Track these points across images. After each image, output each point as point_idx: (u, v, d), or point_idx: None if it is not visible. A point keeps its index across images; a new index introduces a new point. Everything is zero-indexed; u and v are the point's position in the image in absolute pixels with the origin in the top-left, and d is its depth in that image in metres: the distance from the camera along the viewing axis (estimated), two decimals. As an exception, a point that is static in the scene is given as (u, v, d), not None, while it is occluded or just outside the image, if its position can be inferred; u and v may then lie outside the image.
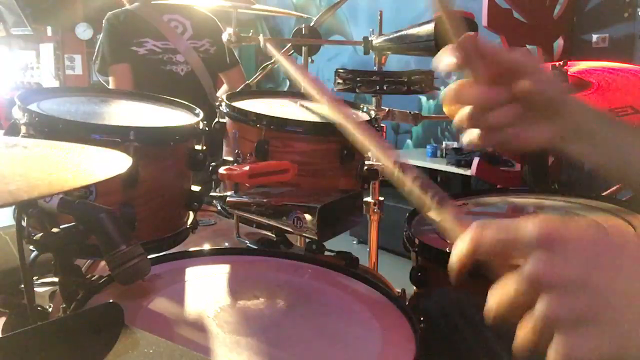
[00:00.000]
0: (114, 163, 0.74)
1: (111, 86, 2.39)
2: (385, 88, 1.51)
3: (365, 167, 1.38)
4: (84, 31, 6.52)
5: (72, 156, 0.73)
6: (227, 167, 1.19)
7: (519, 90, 0.73)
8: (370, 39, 1.63)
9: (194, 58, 2.45)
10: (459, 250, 0.52)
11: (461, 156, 4.26)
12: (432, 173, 4.78)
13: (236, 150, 1.25)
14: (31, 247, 0.92)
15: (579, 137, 0.77)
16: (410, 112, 1.72)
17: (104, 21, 2.44)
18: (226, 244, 1.36)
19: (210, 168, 1.25)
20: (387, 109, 1.66)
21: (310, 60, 1.76)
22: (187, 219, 1.23)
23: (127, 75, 2.38)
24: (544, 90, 0.74)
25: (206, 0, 2.15)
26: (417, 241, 1.20)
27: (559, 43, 3.82)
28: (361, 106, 1.47)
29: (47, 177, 0.63)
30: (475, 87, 0.75)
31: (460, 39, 0.74)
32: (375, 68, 1.66)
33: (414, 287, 1.26)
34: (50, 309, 1.13)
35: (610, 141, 0.78)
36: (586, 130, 0.77)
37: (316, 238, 1.10)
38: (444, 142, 4.75)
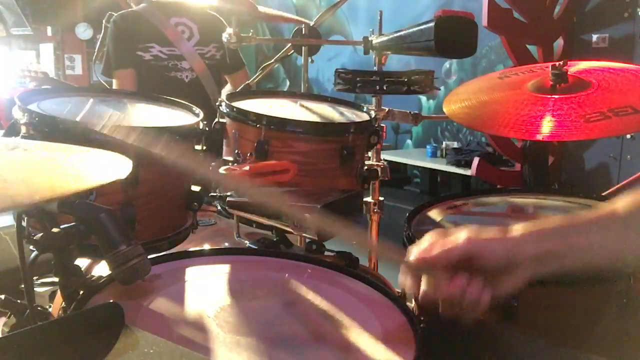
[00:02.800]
0: (114, 166, 0.74)
1: None
2: (385, 88, 1.51)
3: (365, 167, 1.38)
4: (84, 31, 6.52)
5: (73, 159, 0.73)
6: (227, 167, 1.19)
7: (476, 271, 0.80)
8: (370, 39, 1.63)
9: (200, 65, 2.43)
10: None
11: (461, 156, 4.26)
12: (432, 173, 4.78)
13: (236, 150, 1.25)
14: (31, 247, 0.92)
15: (552, 264, 0.80)
16: (410, 112, 1.72)
17: (110, 22, 2.42)
18: (226, 244, 1.36)
19: (210, 168, 1.25)
20: (387, 109, 1.66)
21: (310, 60, 1.76)
22: (187, 219, 1.23)
23: (132, 82, 2.37)
24: (497, 261, 0.79)
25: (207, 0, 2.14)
26: (417, 241, 1.20)
27: (559, 43, 3.82)
28: (361, 106, 1.47)
29: (48, 181, 0.63)
30: (439, 290, 0.81)
31: (402, 270, 0.84)
32: (375, 68, 1.65)
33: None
34: (50, 309, 1.13)
35: (588, 248, 0.80)
36: (554, 257, 0.80)
37: (316, 238, 1.10)
38: (444, 142, 4.76)
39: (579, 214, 0.86)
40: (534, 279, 0.80)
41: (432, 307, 0.82)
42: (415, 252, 0.83)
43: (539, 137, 1.24)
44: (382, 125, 1.49)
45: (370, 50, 1.64)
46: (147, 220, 1.10)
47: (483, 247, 0.80)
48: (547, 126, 1.25)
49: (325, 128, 1.30)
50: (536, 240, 0.80)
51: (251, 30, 1.80)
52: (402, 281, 0.85)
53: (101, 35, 2.46)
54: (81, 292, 0.91)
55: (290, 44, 1.79)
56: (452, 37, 1.42)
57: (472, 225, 0.83)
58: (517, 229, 0.82)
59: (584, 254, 0.79)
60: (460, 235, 0.81)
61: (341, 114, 1.42)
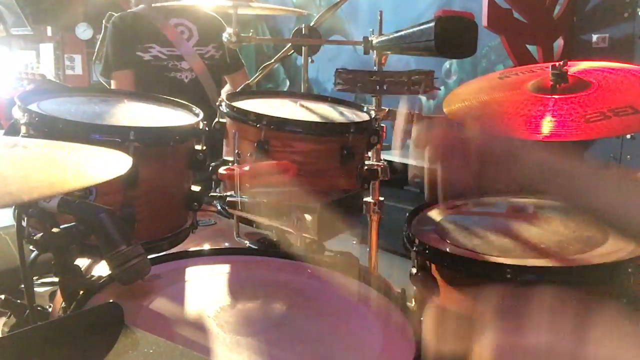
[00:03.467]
0: (114, 163, 0.74)
1: None
2: (385, 88, 1.51)
3: (365, 167, 1.38)
4: (84, 31, 6.51)
5: (72, 156, 0.73)
6: (227, 167, 1.19)
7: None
8: (370, 39, 1.63)
9: (199, 65, 2.43)
10: None
11: (461, 156, 4.26)
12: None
13: (236, 150, 1.25)
14: (31, 247, 0.92)
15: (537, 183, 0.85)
16: (410, 112, 1.71)
17: (109, 23, 2.42)
18: (226, 244, 1.36)
19: (210, 168, 1.25)
20: (387, 109, 1.66)
21: (310, 60, 1.75)
22: (187, 219, 1.23)
23: (130, 82, 2.38)
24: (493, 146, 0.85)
25: (206, 0, 2.14)
26: (417, 241, 1.20)
27: (559, 43, 3.81)
28: (361, 106, 1.47)
29: (47, 178, 0.63)
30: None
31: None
32: (375, 68, 1.65)
33: (414, 287, 1.26)
34: (50, 309, 1.13)
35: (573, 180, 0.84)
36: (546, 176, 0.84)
37: (316, 238, 1.10)
38: (444, 142, 4.75)
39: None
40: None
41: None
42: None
43: (539, 137, 1.24)
44: (382, 125, 1.49)
45: (370, 50, 1.64)
46: (147, 220, 1.10)
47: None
48: (547, 126, 1.24)
49: (325, 128, 1.30)
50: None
51: (251, 30, 1.80)
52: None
53: (101, 35, 2.46)
54: (81, 292, 0.91)
55: (290, 44, 1.79)
56: (452, 37, 1.42)
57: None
58: None
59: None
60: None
61: (341, 114, 1.42)
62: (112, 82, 2.42)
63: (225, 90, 2.59)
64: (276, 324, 0.89)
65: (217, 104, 1.33)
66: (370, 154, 1.55)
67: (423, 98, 5.12)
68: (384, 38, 1.59)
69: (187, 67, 2.43)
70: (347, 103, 1.49)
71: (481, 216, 1.43)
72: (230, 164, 1.25)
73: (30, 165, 0.69)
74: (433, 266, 1.18)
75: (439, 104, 4.93)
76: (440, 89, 1.67)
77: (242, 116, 1.26)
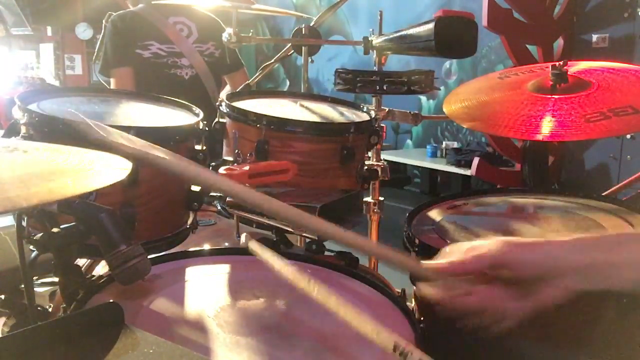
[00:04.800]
0: (114, 167, 0.74)
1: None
2: (385, 88, 1.51)
3: (365, 167, 1.38)
4: (84, 31, 6.52)
5: (72, 160, 0.73)
6: (227, 167, 1.19)
7: (505, 280, 0.73)
8: (370, 39, 1.64)
9: (199, 62, 2.44)
10: None
11: (461, 156, 4.26)
12: (432, 173, 4.78)
13: (236, 150, 1.25)
14: (31, 247, 0.92)
15: (596, 280, 0.72)
16: (410, 112, 1.72)
17: (108, 22, 2.42)
18: (226, 244, 1.36)
19: (210, 168, 1.25)
20: (387, 109, 1.66)
21: (310, 60, 1.76)
22: (187, 219, 1.23)
23: (129, 80, 2.38)
24: (534, 269, 0.72)
25: (206, 0, 2.14)
26: (417, 241, 1.20)
27: (559, 43, 3.82)
28: (361, 106, 1.47)
29: (46, 183, 0.63)
30: (458, 299, 0.76)
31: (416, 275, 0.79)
32: (375, 68, 1.65)
33: (414, 287, 1.26)
34: (50, 309, 1.13)
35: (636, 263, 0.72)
36: (598, 272, 0.72)
37: (316, 238, 1.10)
38: (444, 142, 4.76)
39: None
40: (577, 293, 0.72)
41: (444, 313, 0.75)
42: (440, 258, 0.76)
43: (539, 137, 1.24)
44: (382, 125, 1.49)
45: (370, 50, 1.65)
46: (147, 220, 1.10)
47: (520, 254, 0.72)
48: (547, 126, 1.25)
49: (325, 128, 1.30)
50: (579, 251, 0.72)
51: (251, 30, 1.80)
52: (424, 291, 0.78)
53: (101, 35, 2.46)
54: (81, 292, 0.91)
55: (290, 44, 1.79)
56: (452, 37, 1.42)
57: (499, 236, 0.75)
58: (558, 237, 0.74)
59: (632, 272, 0.71)
60: (494, 241, 0.74)
61: (341, 114, 1.42)
62: (111, 80, 2.42)
63: (226, 91, 2.59)
64: (276, 324, 0.89)
65: (217, 104, 1.33)
66: (370, 154, 1.56)
67: (423, 98, 5.13)
68: (384, 38, 1.60)
69: (187, 64, 2.43)
70: (347, 103, 1.49)
71: (481, 216, 1.43)
72: (230, 164, 1.25)
73: (29, 170, 0.68)
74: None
75: (439, 104, 4.93)
76: (440, 89, 1.67)
77: (242, 116, 1.26)
